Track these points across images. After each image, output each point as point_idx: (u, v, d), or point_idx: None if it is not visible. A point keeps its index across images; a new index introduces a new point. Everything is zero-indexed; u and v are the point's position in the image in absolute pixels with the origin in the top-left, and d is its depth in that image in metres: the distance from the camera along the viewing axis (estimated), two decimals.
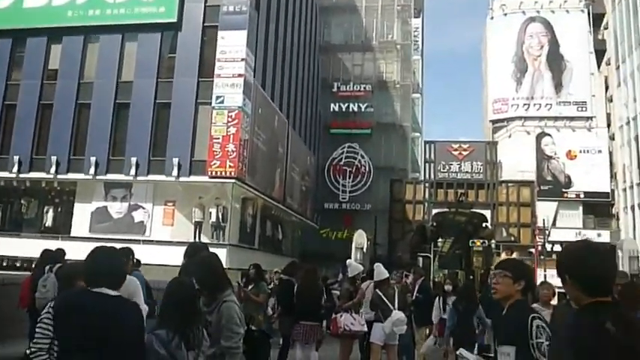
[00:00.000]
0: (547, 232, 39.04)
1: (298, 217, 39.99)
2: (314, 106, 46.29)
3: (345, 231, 45.47)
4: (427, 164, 48.20)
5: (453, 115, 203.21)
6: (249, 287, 10.93)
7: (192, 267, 5.23)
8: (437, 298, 11.76)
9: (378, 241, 42.02)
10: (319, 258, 37.41)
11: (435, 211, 46.57)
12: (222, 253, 21.12)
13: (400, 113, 51.04)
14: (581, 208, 45.15)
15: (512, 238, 44.72)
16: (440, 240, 52.63)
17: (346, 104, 50.49)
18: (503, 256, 41.26)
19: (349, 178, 49.23)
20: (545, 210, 44.03)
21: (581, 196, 45.11)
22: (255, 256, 26.13)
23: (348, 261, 11.57)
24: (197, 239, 24.67)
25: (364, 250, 33.25)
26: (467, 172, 47.09)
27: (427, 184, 47.23)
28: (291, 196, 37.06)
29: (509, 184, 46.21)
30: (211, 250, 5.91)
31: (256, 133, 29.03)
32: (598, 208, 44.74)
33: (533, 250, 40.86)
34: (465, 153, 47.58)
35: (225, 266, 5.38)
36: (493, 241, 43.40)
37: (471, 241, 46.63)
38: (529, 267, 4.84)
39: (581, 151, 45.83)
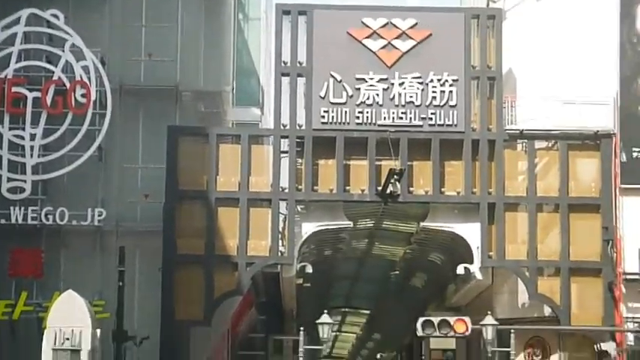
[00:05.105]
0: None
1: None
2: None
3: (18, 295, 31.95)
4: (287, 80, 32.61)
5: None
6: None
7: None
8: None
9: (131, 329, 29.92)
10: None
11: (307, 227, 32.06)
12: None
13: None
14: None
15: (549, 312, 30.90)
16: (324, 319, 32.05)
17: None
18: None
19: (35, 120, 32.66)
20: None
21: None
22: None
23: None
24: None
25: (90, 357, 23.65)
26: (410, 103, 31.04)
27: (286, 143, 32.88)
28: None
29: (538, 143, 32.57)
30: None
31: None
32: None
33: (610, 346, 30.09)
34: (404, 46, 31.31)
35: None
36: (489, 318, 28.49)
37: (421, 320, 28.89)
38: None
39: None
